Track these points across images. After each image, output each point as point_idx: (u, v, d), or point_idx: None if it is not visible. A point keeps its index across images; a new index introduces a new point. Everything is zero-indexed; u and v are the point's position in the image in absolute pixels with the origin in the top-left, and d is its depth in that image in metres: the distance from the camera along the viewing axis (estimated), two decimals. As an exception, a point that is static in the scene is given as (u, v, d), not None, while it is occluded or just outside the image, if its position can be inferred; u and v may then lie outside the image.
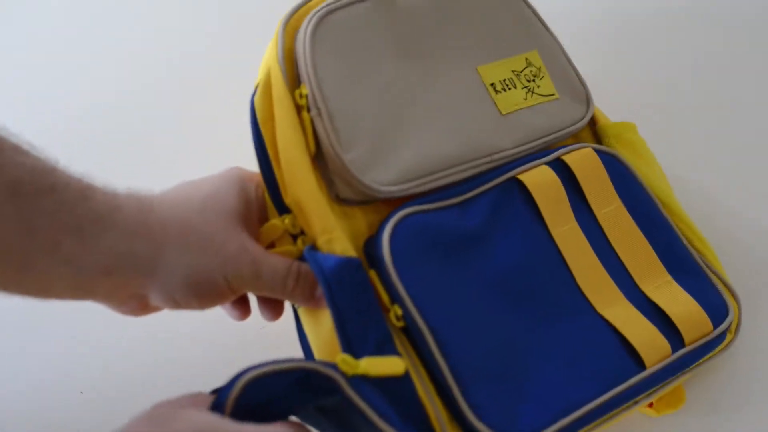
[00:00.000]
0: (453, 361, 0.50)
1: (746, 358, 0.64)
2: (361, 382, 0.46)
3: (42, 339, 0.66)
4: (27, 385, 0.64)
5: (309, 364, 0.45)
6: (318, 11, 0.57)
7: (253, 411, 0.43)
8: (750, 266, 0.68)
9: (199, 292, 0.49)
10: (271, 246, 0.55)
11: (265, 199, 0.56)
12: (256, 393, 0.43)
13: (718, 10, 0.86)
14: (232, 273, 0.49)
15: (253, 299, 0.58)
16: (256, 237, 0.54)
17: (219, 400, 0.43)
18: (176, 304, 0.49)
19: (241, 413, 0.43)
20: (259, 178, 0.55)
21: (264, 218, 0.56)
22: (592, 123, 0.67)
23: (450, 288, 0.53)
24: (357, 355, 0.48)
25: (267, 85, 0.56)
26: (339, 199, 0.55)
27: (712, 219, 0.70)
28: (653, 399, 0.57)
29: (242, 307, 0.57)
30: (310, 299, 0.53)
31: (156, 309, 0.52)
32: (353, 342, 0.49)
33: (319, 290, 0.52)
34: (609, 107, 0.69)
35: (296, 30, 0.57)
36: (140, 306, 0.51)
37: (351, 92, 0.56)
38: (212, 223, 0.50)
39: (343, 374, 0.46)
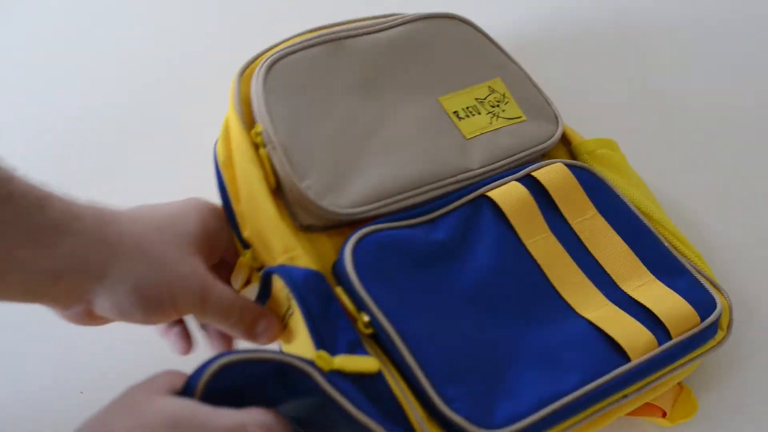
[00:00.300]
0: (423, 359, 0.51)
1: (745, 364, 0.64)
2: (337, 378, 0.47)
3: (42, 339, 0.66)
4: (27, 385, 0.64)
5: (285, 357, 0.45)
6: (270, 57, 0.60)
7: (225, 397, 0.43)
8: (746, 271, 0.68)
9: (145, 305, 0.49)
10: (247, 284, 0.57)
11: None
12: (228, 379, 0.43)
13: (694, 24, 0.86)
14: (180, 292, 0.50)
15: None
16: (217, 270, 0.55)
17: (190, 384, 0.43)
18: (121, 313, 0.50)
19: (212, 398, 0.43)
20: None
21: (235, 254, 0.57)
22: (567, 142, 0.68)
23: (418, 295, 0.54)
24: (331, 353, 0.49)
25: (226, 129, 0.59)
26: (303, 227, 0.57)
27: (706, 228, 0.71)
28: (647, 396, 0.57)
29: (186, 340, 0.57)
30: (249, 333, 0.54)
31: (101, 320, 0.52)
32: (326, 343, 0.50)
33: (260, 326, 0.54)
34: (589, 125, 0.70)
35: (251, 77, 0.60)
36: (86, 313, 0.51)
37: (304, 126, 0.58)
38: (168, 243, 0.51)
39: (320, 370, 0.46)
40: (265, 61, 0.60)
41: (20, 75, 0.86)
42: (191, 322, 0.59)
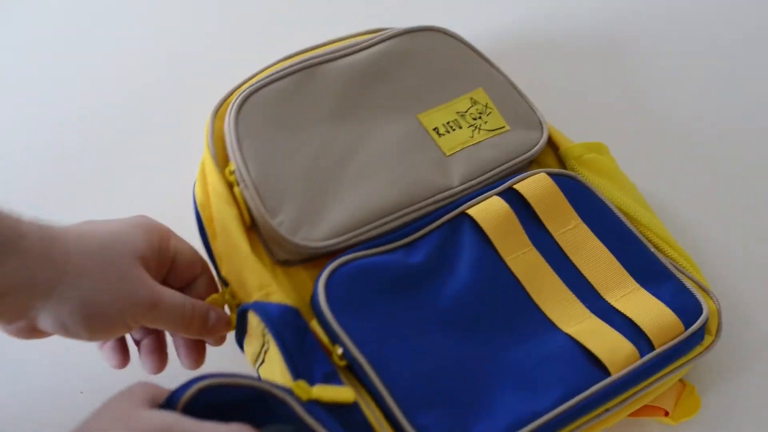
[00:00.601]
0: (395, 388, 0.52)
1: (744, 364, 0.64)
2: (315, 407, 0.48)
3: (42, 339, 0.66)
4: (27, 385, 0.64)
5: (263, 384, 0.46)
6: (242, 93, 0.62)
7: (206, 414, 0.44)
8: (744, 271, 0.69)
9: (90, 321, 0.50)
10: None
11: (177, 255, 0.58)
12: (209, 399, 0.44)
13: (691, 26, 0.86)
14: (130, 305, 0.51)
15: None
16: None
17: (171, 401, 0.44)
18: (65, 330, 0.50)
19: (193, 414, 0.44)
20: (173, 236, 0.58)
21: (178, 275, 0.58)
22: (556, 147, 0.68)
23: (393, 322, 0.55)
24: (309, 385, 0.50)
25: (203, 170, 0.61)
26: (280, 262, 0.58)
27: (701, 229, 0.71)
28: (636, 404, 0.57)
29: (122, 354, 0.58)
30: (203, 330, 0.55)
31: (44, 334, 0.52)
32: (303, 375, 0.51)
33: (212, 318, 0.55)
34: (585, 128, 0.71)
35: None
36: (29, 328, 0.51)
37: (277, 161, 0.59)
38: (115, 258, 0.51)
39: (298, 399, 0.47)
40: (237, 97, 0.61)
41: (20, 75, 0.86)
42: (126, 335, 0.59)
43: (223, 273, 0.58)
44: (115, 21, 0.90)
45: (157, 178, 0.76)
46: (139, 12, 0.91)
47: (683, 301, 0.59)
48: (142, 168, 0.77)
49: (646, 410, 0.60)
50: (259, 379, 0.47)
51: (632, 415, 0.59)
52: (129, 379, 0.63)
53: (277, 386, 0.47)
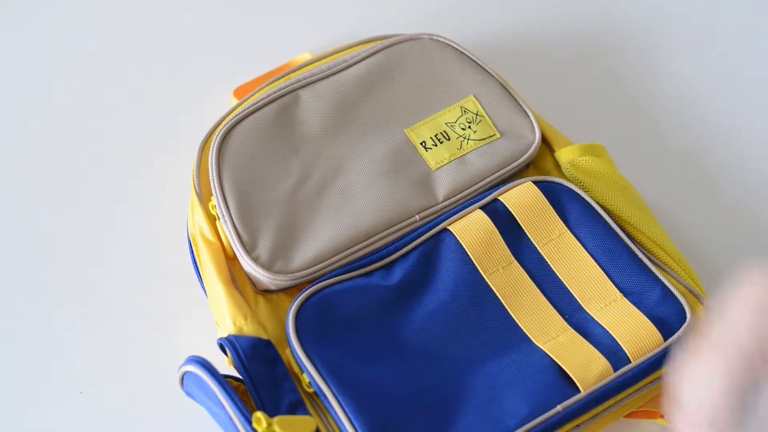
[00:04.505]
0: (357, 418, 0.53)
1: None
2: None
3: (41, 338, 0.66)
4: (26, 385, 0.64)
5: (231, 411, 0.51)
6: (226, 124, 0.62)
7: None
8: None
9: None
10: None
11: None
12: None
13: (691, 28, 0.86)
14: None
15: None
16: None
17: None
18: None
19: None
20: None
21: None
22: (552, 149, 0.67)
23: (361, 349, 0.56)
24: (271, 415, 0.52)
25: (191, 203, 0.62)
26: (262, 291, 0.60)
27: (699, 229, 0.71)
28: (620, 413, 0.57)
29: None
30: None
31: None
32: (267, 405, 0.53)
33: None
34: (584, 128, 0.71)
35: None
36: None
37: (255, 194, 0.60)
38: None
39: (254, 430, 0.50)
40: (221, 129, 0.62)
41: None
42: None
43: (210, 305, 0.60)
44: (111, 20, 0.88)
45: (156, 182, 0.74)
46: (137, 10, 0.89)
47: (667, 310, 0.58)
48: (143, 169, 0.76)
49: (643, 413, 0.60)
50: (237, 400, 0.51)
51: (628, 416, 0.59)
52: (128, 378, 0.64)
53: (240, 412, 0.50)
